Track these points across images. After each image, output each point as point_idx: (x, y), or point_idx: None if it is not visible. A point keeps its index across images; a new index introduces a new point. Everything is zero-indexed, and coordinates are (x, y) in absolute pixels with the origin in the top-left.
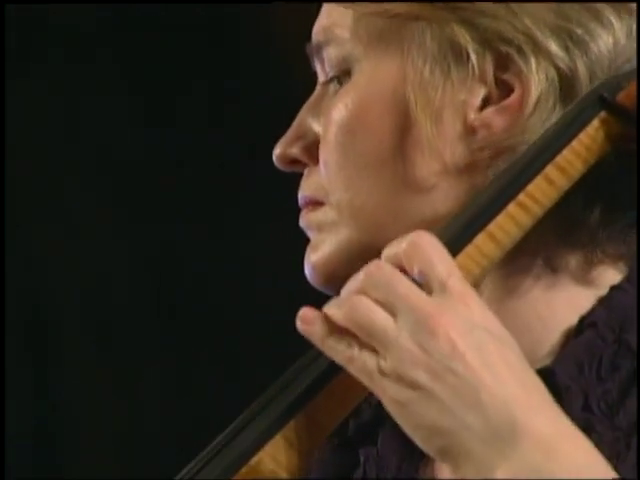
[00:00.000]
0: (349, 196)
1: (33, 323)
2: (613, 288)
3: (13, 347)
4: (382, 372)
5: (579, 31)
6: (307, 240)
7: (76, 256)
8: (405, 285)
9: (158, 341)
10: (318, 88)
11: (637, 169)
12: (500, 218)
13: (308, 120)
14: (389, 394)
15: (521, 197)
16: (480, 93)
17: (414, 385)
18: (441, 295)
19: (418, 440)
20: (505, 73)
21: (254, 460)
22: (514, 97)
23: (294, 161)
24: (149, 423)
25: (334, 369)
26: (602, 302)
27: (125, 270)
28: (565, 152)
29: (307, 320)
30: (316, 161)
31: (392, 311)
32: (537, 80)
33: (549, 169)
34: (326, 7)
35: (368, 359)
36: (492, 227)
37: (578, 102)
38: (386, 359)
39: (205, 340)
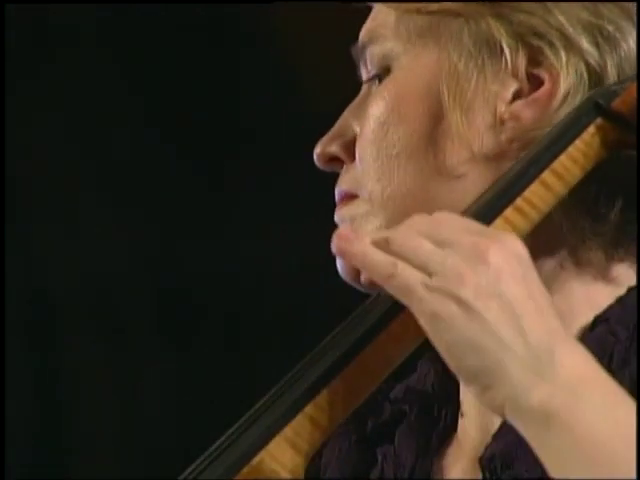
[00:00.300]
0: (380, 186)
1: (34, 323)
2: (631, 289)
3: (14, 347)
4: (426, 286)
5: (610, 28)
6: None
7: (76, 256)
8: (451, 220)
9: (158, 340)
10: (362, 89)
11: (637, 170)
12: (498, 222)
13: (349, 120)
14: (430, 307)
15: (518, 202)
16: (512, 87)
17: (459, 301)
18: (486, 232)
19: (451, 358)
20: (537, 68)
21: (255, 460)
22: (543, 90)
23: (332, 159)
24: (149, 423)
25: (334, 371)
26: (618, 301)
27: (125, 269)
28: (562, 158)
29: (345, 237)
30: (353, 158)
31: (441, 245)
32: (567, 74)
33: (546, 174)
34: (373, 11)
35: (413, 274)
36: None
37: (574, 109)
38: (431, 276)
39: (205, 338)
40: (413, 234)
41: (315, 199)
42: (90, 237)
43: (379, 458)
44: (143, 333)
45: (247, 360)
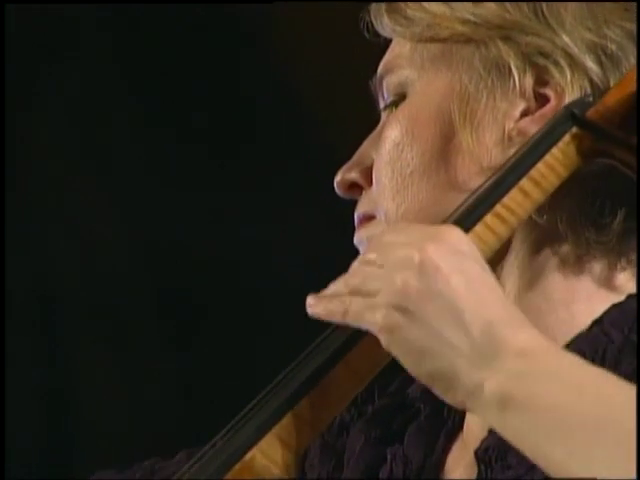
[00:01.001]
0: (395, 204)
1: (35, 323)
2: (630, 296)
3: (15, 346)
4: (372, 308)
5: (613, 47)
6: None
7: (76, 255)
8: (388, 237)
9: (159, 340)
10: (381, 119)
11: (637, 173)
12: (478, 228)
13: (368, 148)
14: (380, 324)
15: (498, 208)
16: (520, 105)
17: (404, 310)
18: (427, 233)
19: (409, 365)
20: (543, 87)
21: (248, 456)
22: (549, 107)
23: (352, 185)
24: (150, 421)
25: (322, 371)
26: (615, 306)
27: (125, 269)
28: (539, 166)
29: (310, 304)
30: (372, 183)
31: (380, 264)
32: (571, 91)
33: (524, 182)
34: (390, 45)
35: (359, 302)
36: (471, 236)
37: (552, 119)
38: (375, 296)
39: (205, 338)
40: (357, 265)
41: (317, 201)
42: (90, 237)
43: (388, 457)
44: (143, 333)
45: (247, 359)
